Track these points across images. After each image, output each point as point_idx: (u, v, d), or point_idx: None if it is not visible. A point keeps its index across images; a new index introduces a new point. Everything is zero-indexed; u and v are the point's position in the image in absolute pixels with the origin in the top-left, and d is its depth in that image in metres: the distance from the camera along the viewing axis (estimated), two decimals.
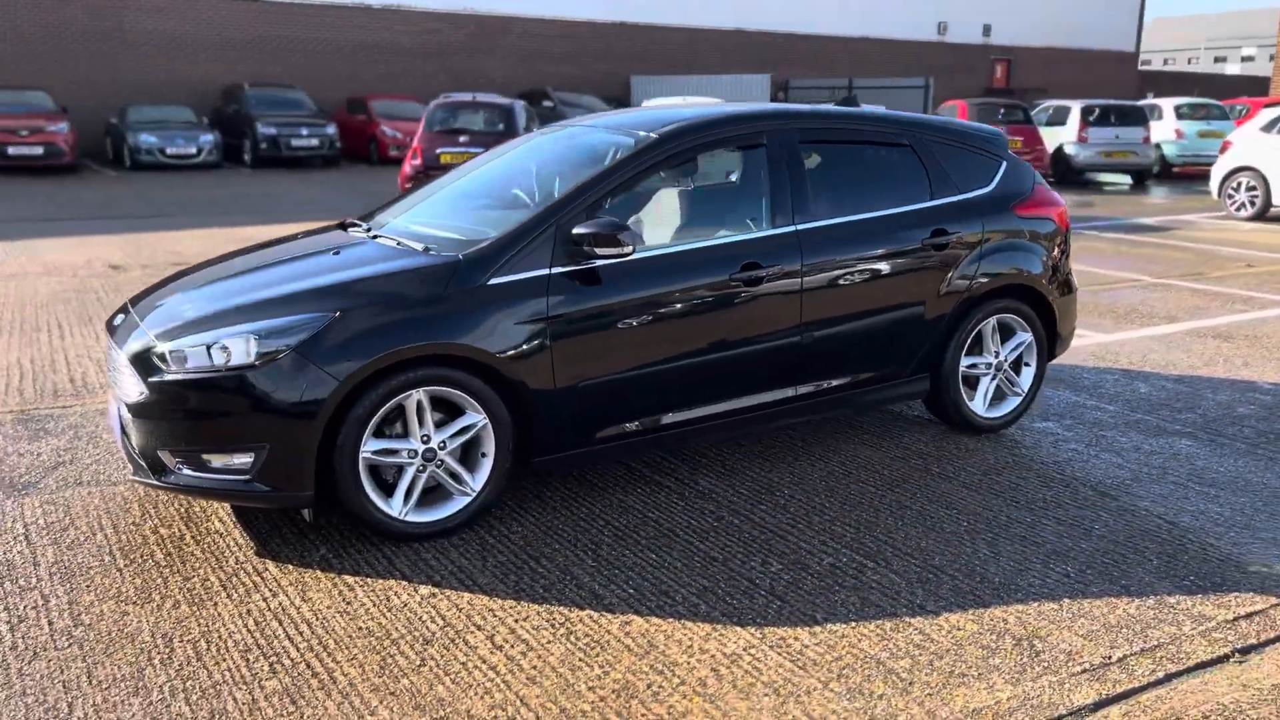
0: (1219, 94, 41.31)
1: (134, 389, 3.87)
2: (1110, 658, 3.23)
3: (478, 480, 4.04)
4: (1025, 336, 5.29)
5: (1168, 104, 22.34)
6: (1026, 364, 5.35)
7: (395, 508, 3.91)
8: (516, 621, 3.40)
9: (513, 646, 3.25)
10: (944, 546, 3.99)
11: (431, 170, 12.29)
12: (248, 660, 3.15)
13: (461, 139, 13.26)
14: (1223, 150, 15.35)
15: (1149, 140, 20.12)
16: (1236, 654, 3.27)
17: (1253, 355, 6.99)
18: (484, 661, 3.16)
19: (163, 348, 3.82)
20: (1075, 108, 20.31)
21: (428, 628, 3.36)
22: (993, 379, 5.25)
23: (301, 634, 3.31)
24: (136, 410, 3.86)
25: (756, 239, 4.52)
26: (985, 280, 5.05)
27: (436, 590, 3.61)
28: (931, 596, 3.60)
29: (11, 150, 18.58)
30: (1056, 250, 5.37)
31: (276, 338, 3.72)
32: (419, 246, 4.26)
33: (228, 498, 3.84)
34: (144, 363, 3.85)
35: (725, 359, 4.44)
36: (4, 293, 8.60)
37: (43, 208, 14.34)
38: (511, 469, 4.11)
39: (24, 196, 15.57)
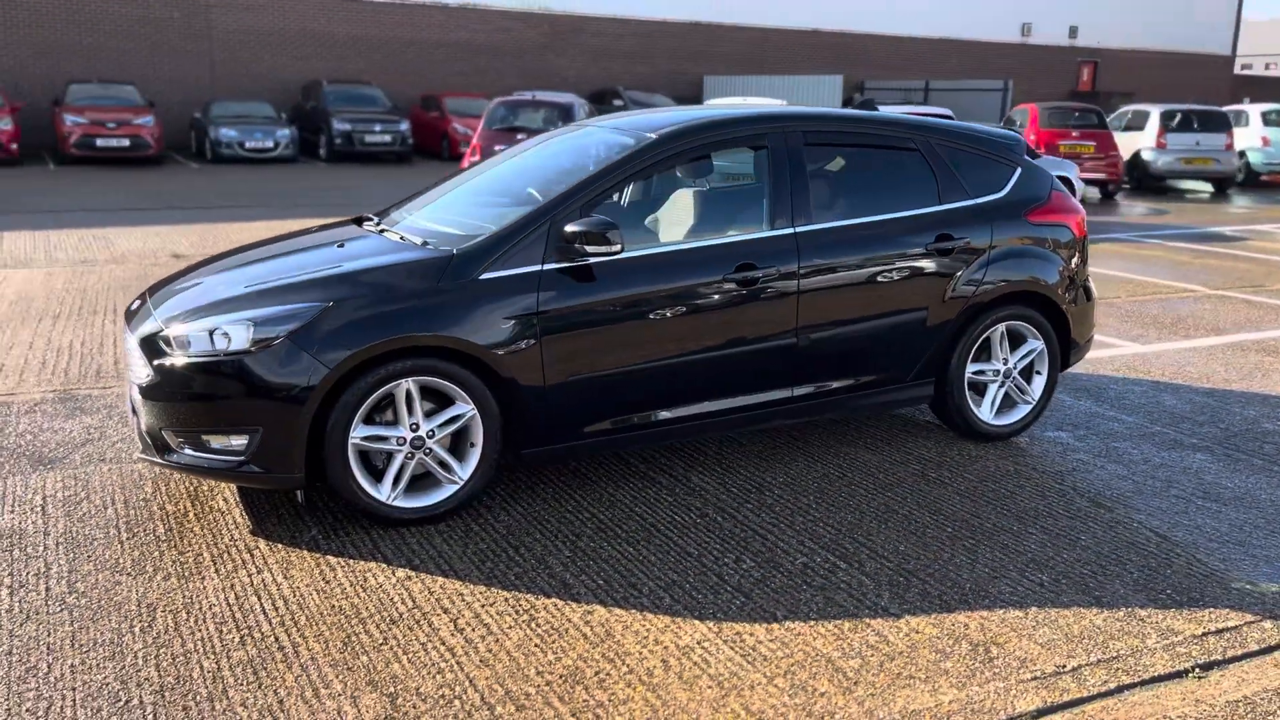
0: None
1: (143, 371, 4.07)
2: (1064, 667, 3.22)
3: (466, 470, 4.15)
4: (1036, 344, 5.23)
5: (1255, 110, 21.63)
6: (1038, 372, 5.30)
7: (384, 493, 4.04)
8: (483, 606, 3.51)
9: (473, 630, 3.36)
10: (922, 551, 4.00)
11: None
12: (221, 632, 3.31)
13: (519, 136, 13.46)
14: None
15: (1231, 147, 19.51)
16: (1197, 669, 3.23)
17: None
18: (443, 643, 3.27)
19: (168, 332, 4.02)
20: (1154, 112, 19.79)
21: (396, 608, 3.48)
22: (1001, 386, 5.21)
23: (276, 609, 3.46)
24: (145, 392, 4.06)
25: (752, 240, 4.56)
26: (993, 286, 5.02)
27: (412, 573, 3.74)
28: (897, 599, 3.62)
29: (100, 142, 19.34)
30: (1072, 258, 5.30)
31: (271, 325, 3.89)
32: (418, 241, 4.39)
33: (225, 477, 4.02)
34: (151, 346, 4.05)
35: (718, 358, 4.49)
36: (70, 278, 9.01)
37: (123, 198, 14.93)
38: (500, 460, 4.22)
39: (108, 187, 16.22)
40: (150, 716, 2.86)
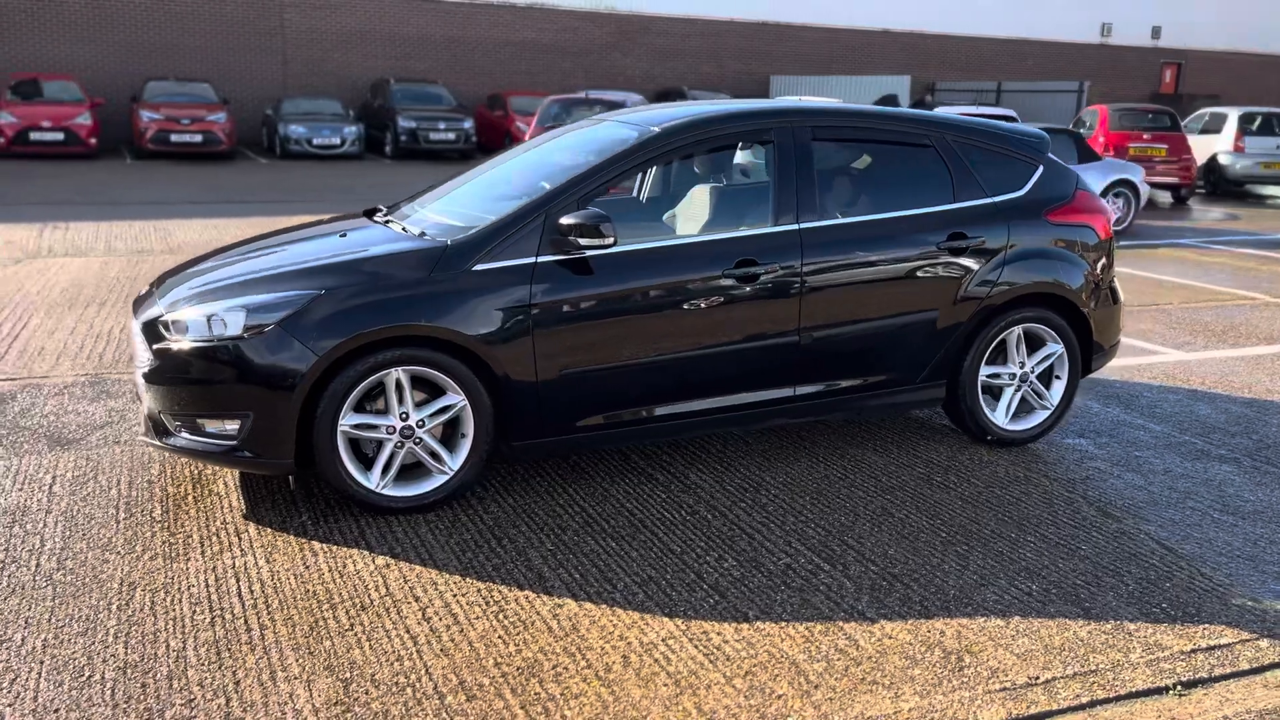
0: None
1: (145, 356, 4.16)
2: (1037, 679, 3.11)
3: (456, 460, 4.17)
4: (1056, 348, 5.08)
5: None
6: (1058, 377, 5.14)
7: (373, 481, 4.07)
8: (454, 596, 3.51)
9: (440, 620, 3.36)
10: (911, 556, 3.91)
11: None
12: (194, 612, 3.36)
13: None
14: None
15: None
16: (1179, 686, 3.10)
17: None
18: (407, 631, 3.28)
19: (168, 317, 4.10)
20: (1232, 115, 19.15)
21: (369, 595, 3.50)
22: (1017, 390, 5.07)
23: (252, 592, 3.50)
24: (146, 376, 4.14)
25: (754, 235, 4.50)
26: (1008, 288, 4.88)
27: (392, 561, 3.76)
28: (876, 604, 3.54)
29: (174, 137, 19.88)
30: (1096, 259, 5.14)
31: (264, 312, 3.94)
32: (418, 232, 4.42)
33: (219, 461, 4.09)
34: (153, 331, 4.14)
35: (716, 355, 4.44)
36: (124, 268, 9.26)
37: (189, 191, 15.32)
38: (491, 451, 4.22)
39: (177, 181, 16.66)
40: (109, 692, 2.91)
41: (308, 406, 3.96)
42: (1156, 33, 36.47)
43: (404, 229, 4.54)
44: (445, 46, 25.96)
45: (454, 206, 4.79)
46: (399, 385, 4.03)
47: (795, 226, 4.54)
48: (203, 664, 3.06)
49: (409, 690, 2.97)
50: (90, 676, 2.98)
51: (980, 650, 3.27)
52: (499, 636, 3.27)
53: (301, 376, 3.89)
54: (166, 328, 4.08)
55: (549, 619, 3.39)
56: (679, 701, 2.95)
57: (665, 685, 3.03)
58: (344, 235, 4.59)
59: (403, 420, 4.06)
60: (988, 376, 5.00)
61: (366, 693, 2.95)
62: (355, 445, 4.10)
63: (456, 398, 4.10)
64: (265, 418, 3.94)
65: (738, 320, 4.45)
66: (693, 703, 2.95)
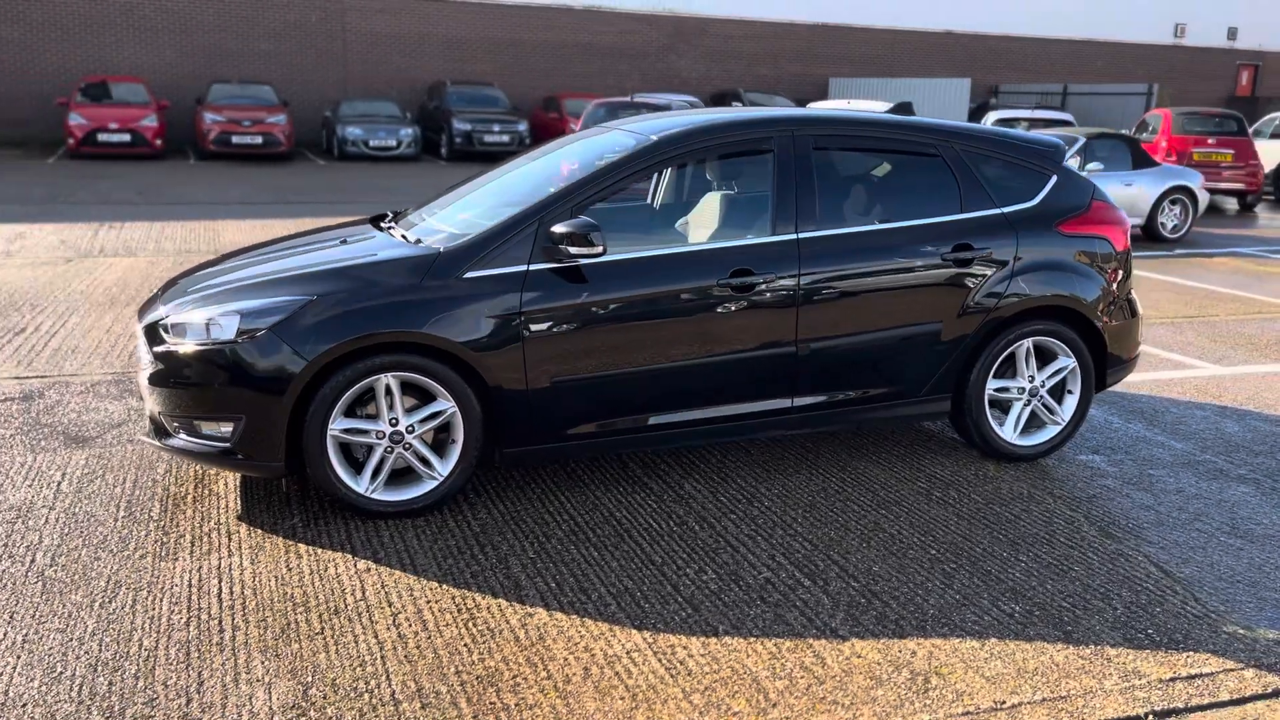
0: None
1: (146, 358, 4.26)
2: (1003, 703, 3.05)
3: (446, 466, 4.20)
4: (1068, 362, 4.96)
5: None
6: (1070, 391, 5.02)
7: (362, 485, 4.12)
8: (428, 603, 3.54)
9: (410, 626, 3.39)
10: (896, 573, 3.85)
11: None
12: (172, 612, 3.43)
13: None
14: None
15: None
16: (1152, 716, 3.01)
17: None
18: (375, 637, 3.32)
19: (168, 321, 4.19)
20: None
21: (344, 600, 3.55)
22: (1026, 405, 4.96)
23: (232, 593, 3.57)
24: (149, 378, 4.24)
25: (750, 245, 4.47)
26: (1017, 300, 4.78)
27: (373, 566, 3.80)
28: (850, 621, 3.49)
29: (235, 139, 20.34)
30: (1111, 271, 5.01)
31: (256, 317, 4.01)
32: (414, 239, 4.46)
33: (214, 463, 4.17)
34: (154, 334, 4.23)
35: (710, 365, 4.41)
36: (170, 268, 9.49)
37: (243, 192, 15.65)
38: (481, 458, 4.25)
39: (236, 181, 17.03)
40: (77, 688, 2.99)
41: (298, 410, 4.02)
42: (1233, 34, 35.48)
43: (404, 236, 4.59)
44: (502, 49, 26.18)
45: (456, 214, 4.82)
46: (389, 391, 4.07)
47: (793, 236, 4.49)
48: (171, 664, 3.13)
49: (366, 696, 3.00)
50: (61, 673, 3.06)
51: (950, 672, 3.20)
52: (464, 645, 3.29)
53: (291, 380, 3.95)
54: (166, 331, 4.17)
55: (517, 628, 3.40)
56: (632, 715, 2.94)
57: (621, 699, 3.02)
58: (345, 242, 4.66)
59: (392, 425, 4.10)
60: (995, 390, 4.90)
61: (324, 697, 2.99)
62: (347, 450, 4.16)
63: (446, 404, 4.13)
64: (257, 421, 4.00)
65: (733, 330, 4.42)
66: (645, 716, 2.94)
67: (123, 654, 3.17)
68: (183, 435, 4.16)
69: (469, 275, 4.14)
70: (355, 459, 4.18)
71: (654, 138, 4.54)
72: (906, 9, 30.00)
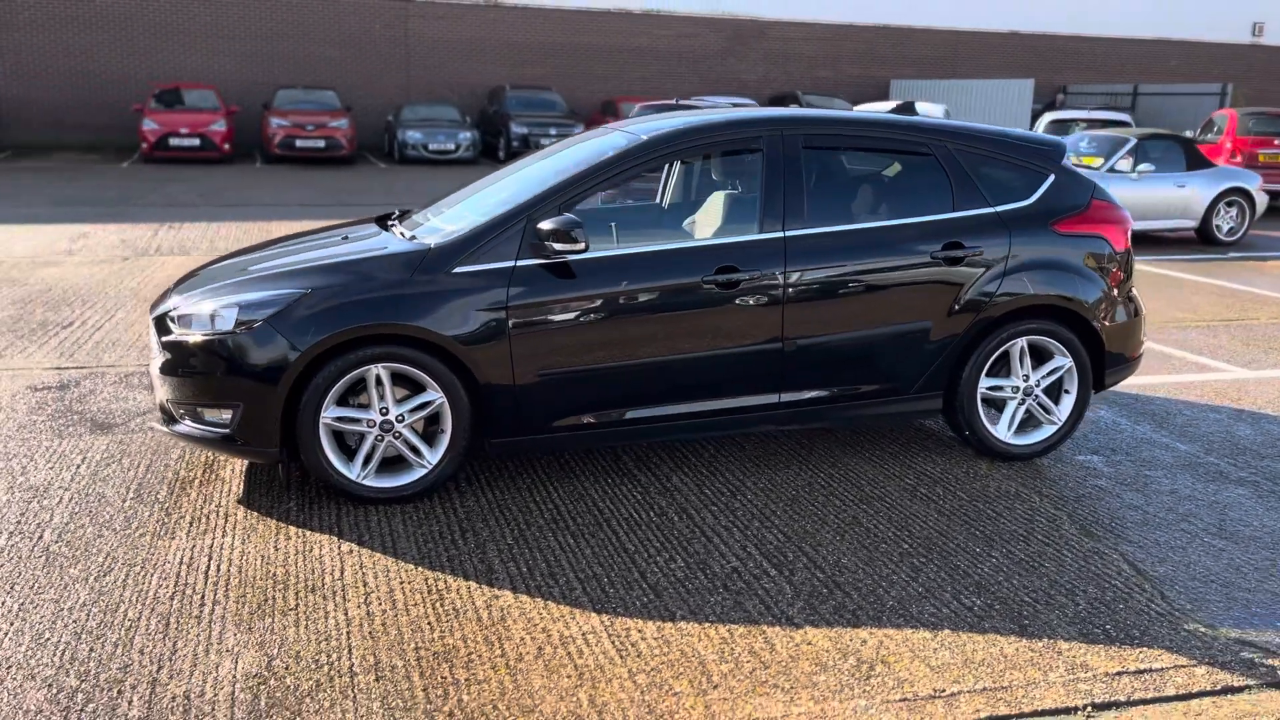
0: None
1: (156, 348, 4.48)
2: (941, 691, 3.09)
3: (435, 454, 4.35)
4: (1064, 362, 4.95)
5: None
6: (1067, 391, 5.01)
7: (354, 471, 4.29)
8: (401, 584, 3.69)
9: (379, 605, 3.54)
10: (863, 565, 3.90)
11: None
12: (159, 586, 3.62)
13: None
14: None
15: None
16: (1090, 708, 3.03)
17: None
18: (345, 614, 3.47)
19: (176, 312, 4.41)
20: None
21: (323, 579, 3.71)
22: (1020, 404, 4.96)
23: (219, 570, 3.76)
24: (159, 367, 4.46)
25: (736, 243, 4.55)
26: (1009, 299, 4.79)
27: (356, 548, 3.96)
28: (808, 610, 3.56)
29: (299, 143, 20.89)
30: (1109, 271, 4.98)
31: (254, 309, 4.20)
32: (409, 236, 4.63)
33: (215, 448, 4.37)
34: (162, 325, 4.45)
35: (696, 360, 4.50)
36: None
37: (302, 194, 16.08)
38: (469, 448, 4.39)
39: (298, 184, 17.50)
40: (59, 653, 3.18)
41: (293, 399, 4.20)
42: None
43: (402, 234, 4.76)
44: (561, 53, 26.47)
45: (456, 212, 4.98)
46: (379, 381, 4.24)
47: (780, 234, 4.56)
48: (150, 633, 3.31)
49: (325, 668, 3.15)
50: (48, 639, 3.26)
51: (896, 661, 3.25)
52: (428, 623, 3.43)
53: (285, 370, 4.13)
54: (174, 322, 4.39)
55: (482, 609, 3.53)
56: (575, 693, 3.05)
57: (568, 677, 3.13)
58: (347, 239, 4.84)
59: (383, 415, 4.26)
60: (988, 389, 4.91)
61: (286, 668, 3.14)
62: (341, 438, 4.33)
63: (435, 395, 4.28)
64: (254, 408, 4.20)
65: (719, 326, 4.50)
66: (587, 694, 3.04)
67: (107, 623, 3.37)
68: (188, 421, 4.37)
69: (458, 270, 4.29)
70: (348, 446, 4.35)
71: (644, 137, 4.64)
72: (970, 9, 29.63)
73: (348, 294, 4.20)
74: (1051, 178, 4.98)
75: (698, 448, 5.11)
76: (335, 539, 4.04)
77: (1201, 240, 12.95)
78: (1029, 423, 5.04)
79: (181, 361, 4.32)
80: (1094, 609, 3.61)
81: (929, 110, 15.36)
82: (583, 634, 3.38)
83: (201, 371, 4.28)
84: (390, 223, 5.10)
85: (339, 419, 4.24)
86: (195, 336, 4.28)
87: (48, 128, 23.15)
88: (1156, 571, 3.91)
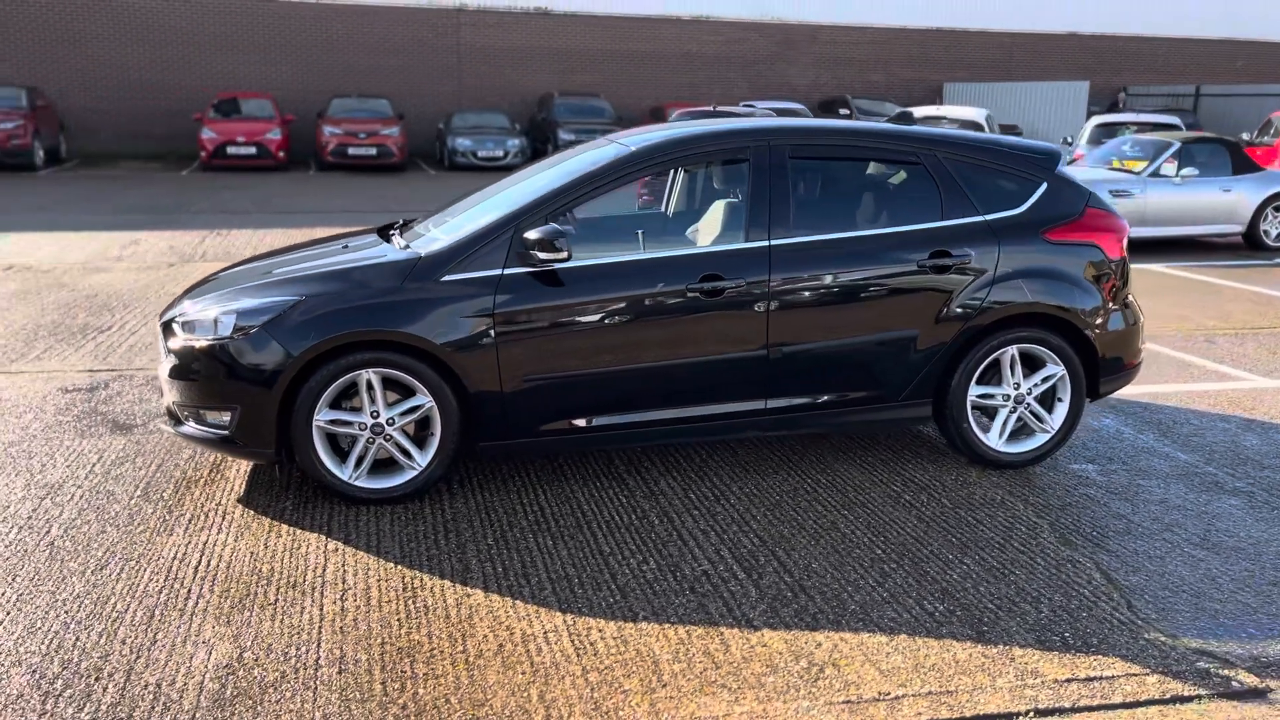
0: None
1: (164, 352, 4.69)
2: (886, 694, 3.14)
3: (425, 457, 4.49)
4: (1056, 370, 4.94)
5: None
6: (1060, 399, 5.00)
7: (346, 473, 4.45)
8: (378, 582, 3.83)
9: (354, 601, 3.68)
10: (832, 570, 3.95)
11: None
12: (150, 581, 3.80)
13: None
14: None
15: None
16: (1033, 714, 3.06)
17: None
18: (320, 609, 3.62)
19: (181, 318, 4.61)
20: None
21: (305, 576, 3.86)
22: (1012, 412, 4.96)
23: (208, 565, 3.93)
24: (166, 370, 4.67)
25: (721, 251, 4.63)
26: (998, 306, 4.80)
27: (342, 547, 4.11)
28: (769, 613, 3.62)
29: (351, 150, 21.35)
30: (1103, 279, 4.97)
31: (252, 315, 4.38)
32: (403, 244, 4.78)
33: (216, 448, 4.56)
34: (168, 330, 4.66)
35: (681, 366, 4.58)
36: None
37: (352, 201, 16.44)
38: (458, 451, 4.52)
39: (348, 191, 17.89)
40: (47, 641, 3.37)
41: (288, 402, 4.37)
42: None
43: (400, 243, 4.91)
44: (610, 60, 26.68)
45: (456, 222, 5.11)
46: (370, 385, 4.39)
47: (765, 243, 4.63)
48: (133, 625, 3.49)
49: (293, 660, 3.29)
50: (39, 628, 3.45)
51: (846, 664, 3.31)
52: (397, 620, 3.56)
53: (279, 374, 4.30)
54: (179, 327, 4.58)
55: (451, 608, 3.65)
56: (527, 689, 3.16)
57: (523, 673, 3.24)
58: (347, 248, 5.01)
59: (374, 418, 4.41)
60: (979, 396, 4.92)
61: (255, 659, 3.29)
62: (335, 440, 4.49)
63: (424, 399, 4.42)
64: (251, 410, 4.37)
65: (704, 333, 4.58)
66: (538, 690, 3.15)
67: (95, 615, 3.55)
68: (191, 423, 4.56)
69: (446, 278, 4.42)
70: (343, 448, 4.51)
71: (632, 148, 4.75)
72: (1026, 10, 29.26)
73: (340, 301, 4.36)
74: (1044, 186, 4.98)
75: (690, 452, 5.19)
76: (324, 538, 4.19)
77: (1249, 246, 12.69)
78: (1021, 431, 5.04)
79: (186, 365, 4.51)
80: (1056, 617, 3.62)
81: (968, 115, 15.24)
82: (544, 632, 3.48)
83: (204, 375, 4.47)
84: (391, 232, 5.25)
85: (332, 422, 4.40)
86: (198, 341, 4.47)
87: (114, 137, 23.93)
88: (1128, 581, 3.91)
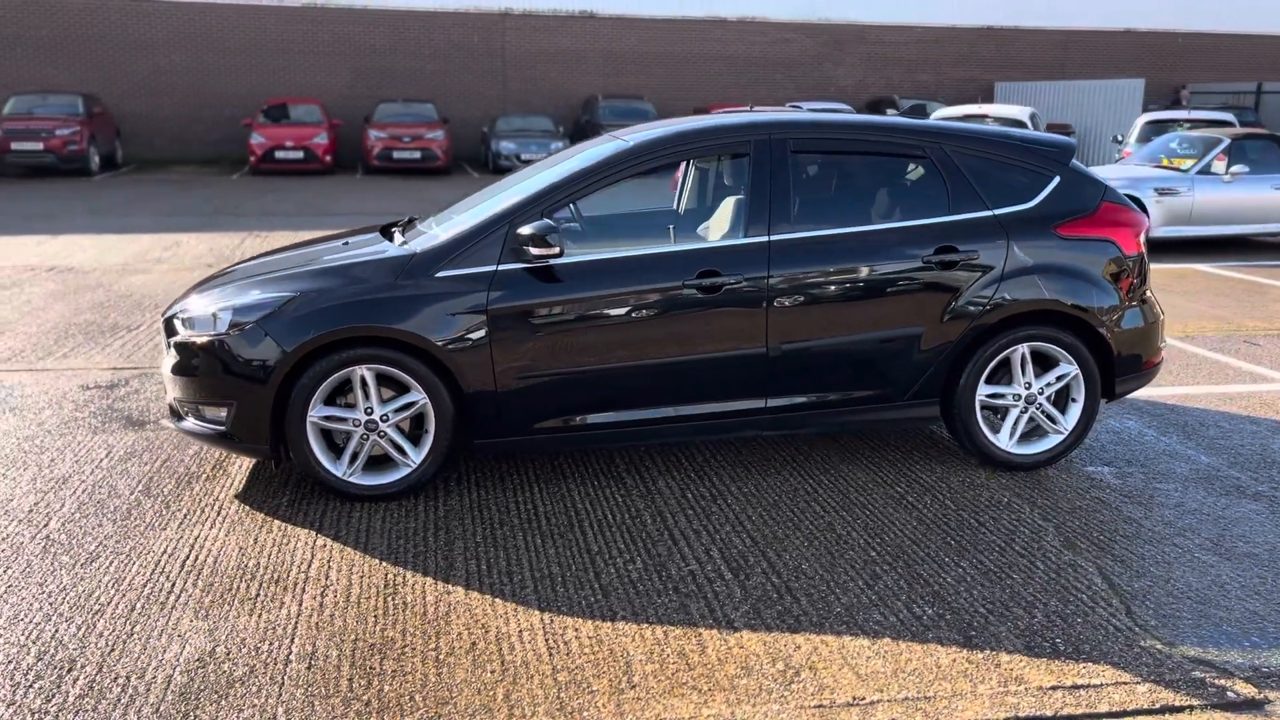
0: None
1: (165, 347, 4.72)
2: (860, 699, 3.05)
3: (419, 454, 4.47)
4: (1070, 369, 4.79)
5: None
6: (1074, 399, 4.84)
7: (340, 469, 4.44)
8: (361, 578, 3.81)
9: (334, 598, 3.66)
10: (823, 571, 3.85)
11: None
12: (138, 574, 3.82)
13: None
14: None
15: None
16: None
17: None
18: (300, 605, 3.61)
19: (182, 315, 4.64)
20: None
21: (290, 572, 3.86)
22: (1023, 412, 4.82)
23: (195, 560, 3.94)
24: (168, 366, 4.70)
25: (718, 247, 4.55)
26: (1007, 304, 4.66)
27: (331, 543, 4.10)
28: (752, 614, 3.54)
29: (396, 154, 21.56)
30: (1119, 275, 4.81)
31: (248, 312, 4.40)
32: (400, 241, 4.77)
33: (214, 443, 4.58)
34: (170, 326, 4.69)
35: (678, 364, 4.51)
36: None
37: (392, 204, 16.57)
38: (453, 447, 4.49)
39: (390, 194, 18.04)
40: (28, 632, 3.39)
41: (282, 398, 4.37)
42: None
43: (399, 241, 4.90)
44: (655, 62, 26.64)
45: (455, 219, 5.09)
46: (364, 382, 4.38)
47: (764, 239, 4.54)
48: (113, 618, 3.50)
49: (265, 654, 3.28)
50: (22, 618, 3.48)
51: (824, 668, 3.22)
52: (373, 617, 3.53)
53: (273, 370, 4.30)
54: (180, 323, 4.62)
55: (430, 605, 3.61)
56: (492, 689, 3.11)
57: (492, 672, 3.20)
58: (347, 245, 5.01)
59: (368, 414, 4.40)
60: (988, 396, 4.79)
61: (228, 653, 3.29)
62: (330, 436, 4.49)
63: (418, 396, 4.40)
64: (246, 406, 4.38)
65: (701, 330, 4.51)
66: (503, 690, 3.10)
67: (78, 607, 3.57)
68: (191, 419, 4.59)
69: (440, 275, 4.40)
70: (338, 445, 4.51)
71: (632, 143, 4.69)
72: (1080, 7, 28.71)
73: (334, 297, 4.35)
74: (1056, 180, 4.83)
75: (691, 452, 5.12)
76: (314, 534, 4.19)
77: None
78: (1034, 432, 4.89)
79: (186, 361, 4.54)
80: (1049, 622, 3.49)
81: (1011, 113, 14.96)
82: (519, 631, 3.44)
83: (202, 370, 4.49)
84: (393, 230, 5.25)
85: (326, 418, 4.40)
86: (198, 337, 4.49)
87: (168, 143, 24.42)
88: (1131, 586, 3.76)
